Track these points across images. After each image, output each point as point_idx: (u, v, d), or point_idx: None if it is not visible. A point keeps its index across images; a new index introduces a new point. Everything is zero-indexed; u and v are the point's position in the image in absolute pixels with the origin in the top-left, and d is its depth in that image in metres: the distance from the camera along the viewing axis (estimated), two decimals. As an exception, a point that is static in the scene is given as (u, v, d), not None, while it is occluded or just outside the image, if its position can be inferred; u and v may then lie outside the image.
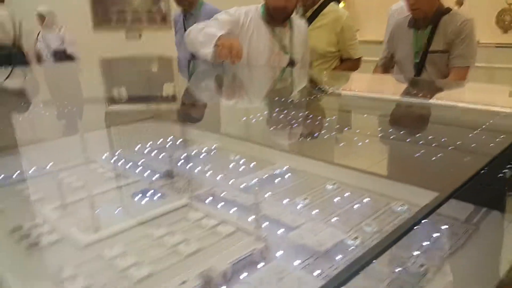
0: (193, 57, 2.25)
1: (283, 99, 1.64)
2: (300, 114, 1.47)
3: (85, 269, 0.61)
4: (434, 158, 1.12)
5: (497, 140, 1.02)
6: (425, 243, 0.73)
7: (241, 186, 0.95)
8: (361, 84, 1.87)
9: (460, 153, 1.15)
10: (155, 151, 1.20)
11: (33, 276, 0.61)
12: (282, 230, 0.75)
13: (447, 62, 1.74)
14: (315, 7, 2.28)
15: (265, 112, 1.60)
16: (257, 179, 0.98)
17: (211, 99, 1.86)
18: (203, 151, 1.20)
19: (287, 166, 1.05)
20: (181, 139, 1.32)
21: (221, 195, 0.90)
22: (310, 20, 2.27)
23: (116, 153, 1.15)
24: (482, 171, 0.78)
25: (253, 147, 1.25)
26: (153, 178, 0.98)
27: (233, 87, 1.98)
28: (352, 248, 0.71)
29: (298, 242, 0.70)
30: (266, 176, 1.00)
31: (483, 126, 1.26)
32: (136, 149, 1.20)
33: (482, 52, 4.61)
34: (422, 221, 0.78)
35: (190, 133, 1.42)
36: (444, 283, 0.64)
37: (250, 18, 2.05)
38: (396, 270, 0.66)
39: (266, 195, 0.91)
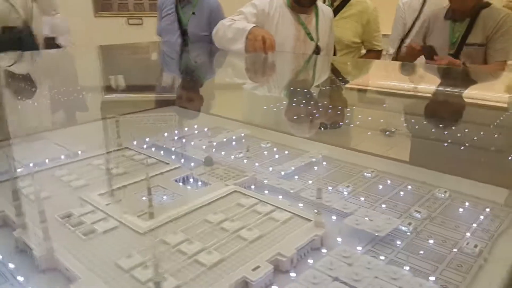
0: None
1: (307, 88, 1.64)
2: (324, 104, 1.48)
3: (151, 256, 0.61)
4: (462, 147, 1.14)
5: None
6: (474, 225, 0.75)
7: (282, 173, 0.95)
8: (388, 74, 1.90)
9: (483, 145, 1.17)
10: (184, 138, 1.20)
11: (98, 264, 0.61)
12: (335, 216, 0.76)
13: (483, 56, 1.77)
14: None
15: (290, 101, 1.60)
16: (294, 167, 0.98)
17: (228, 85, 1.85)
18: (233, 138, 1.19)
19: (321, 155, 1.06)
20: (207, 127, 1.31)
21: (265, 182, 0.90)
22: (337, 9, 2.29)
23: (147, 140, 1.14)
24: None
25: (281, 136, 1.25)
26: (192, 165, 0.98)
27: (256, 73, 1.97)
28: (408, 233, 0.72)
29: (355, 228, 0.71)
30: (303, 163, 1.00)
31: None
32: (165, 135, 1.19)
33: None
34: (467, 205, 0.80)
35: (214, 120, 1.42)
36: (499, 261, 0.65)
37: (275, 6, 2.05)
38: (453, 250, 0.67)
39: (310, 182, 0.91)
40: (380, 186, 0.90)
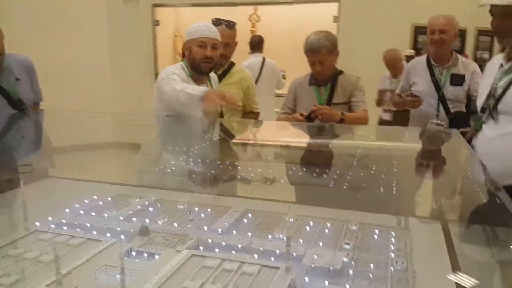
0: None
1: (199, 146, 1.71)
2: (218, 160, 1.57)
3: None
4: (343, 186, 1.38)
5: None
6: (391, 247, 0.94)
7: (219, 231, 1.00)
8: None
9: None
10: (93, 211, 1.12)
11: None
12: (288, 259, 0.85)
13: (348, 110, 2.19)
14: (226, 66, 2.51)
15: (185, 160, 1.63)
16: (227, 223, 1.04)
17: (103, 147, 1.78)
18: (146, 204, 1.18)
19: (244, 208, 1.14)
20: (108, 196, 1.25)
21: (210, 241, 0.94)
22: (221, 77, 2.47)
23: (49, 219, 1.03)
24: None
25: (193, 196, 1.29)
26: (122, 238, 0.94)
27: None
28: (351, 263, 0.86)
29: (313, 266, 0.82)
30: (234, 218, 1.07)
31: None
32: (66, 211, 1.10)
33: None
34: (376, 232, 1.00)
35: (110, 188, 1.36)
36: (423, 269, 0.84)
37: (179, 75, 2.07)
38: (390, 269, 0.84)
39: (249, 234, 0.99)
40: (307, 228, 1.04)
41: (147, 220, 1.06)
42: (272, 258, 0.87)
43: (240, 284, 0.73)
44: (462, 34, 6.97)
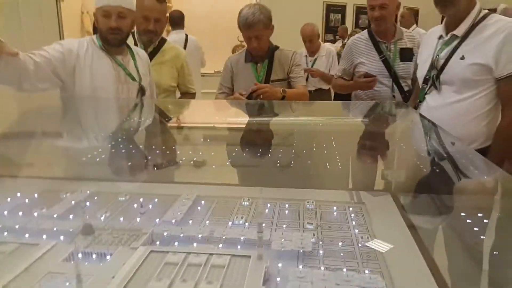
0: None
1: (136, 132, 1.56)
2: (155, 144, 1.45)
3: None
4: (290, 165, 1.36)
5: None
6: (353, 222, 0.94)
7: (173, 221, 0.92)
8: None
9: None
10: (20, 211, 0.97)
11: None
12: (261, 246, 0.81)
13: (288, 86, 2.18)
14: (156, 43, 2.32)
15: (117, 148, 1.47)
16: (180, 212, 0.96)
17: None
18: (81, 199, 1.04)
19: (196, 195, 1.07)
20: (35, 193, 1.08)
21: (165, 234, 0.85)
22: (151, 55, 2.29)
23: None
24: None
25: (134, 186, 1.18)
26: (62, 238, 0.82)
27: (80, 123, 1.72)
28: (319, 242, 0.84)
29: (283, 250, 0.78)
30: (187, 207, 0.99)
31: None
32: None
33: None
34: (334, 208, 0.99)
35: (40, 183, 1.19)
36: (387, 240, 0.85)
37: (86, 49, 1.87)
38: (358, 246, 0.83)
39: (207, 223, 0.92)
40: (266, 210, 1.00)
41: (87, 217, 0.93)
42: (239, 246, 0.81)
43: (213, 278, 0.67)
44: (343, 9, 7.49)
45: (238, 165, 1.35)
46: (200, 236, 0.85)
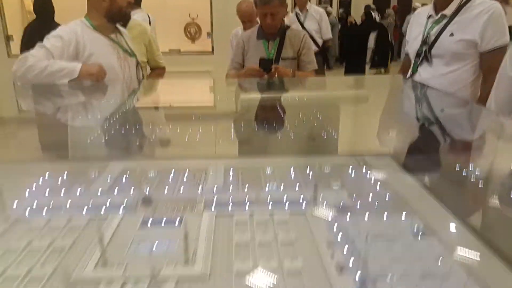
0: None
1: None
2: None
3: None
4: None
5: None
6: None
7: (214, 189, 1.00)
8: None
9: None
10: (58, 190, 1.00)
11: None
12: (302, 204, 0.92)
13: (296, 66, 2.30)
14: (121, 22, 2.25)
15: (114, 130, 1.50)
16: (217, 183, 1.05)
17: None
18: (113, 177, 1.09)
19: (222, 166, 1.15)
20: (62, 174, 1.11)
21: (214, 201, 0.94)
22: None
23: (26, 204, 0.90)
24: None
25: (148, 163, 1.23)
26: (131, 211, 0.88)
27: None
28: (352, 198, 0.97)
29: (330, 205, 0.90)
30: (222, 177, 1.08)
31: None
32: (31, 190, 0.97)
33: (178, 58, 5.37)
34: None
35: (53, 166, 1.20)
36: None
37: (81, 33, 1.83)
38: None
39: (245, 188, 1.01)
40: (289, 176, 1.11)
41: (132, 190, 0.99)
42: (286, 206, 0.92)
43: (280, 233, 0.77)
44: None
45: (251, 138, 1.44)
46: (247, 200, 0.95)
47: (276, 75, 2.11)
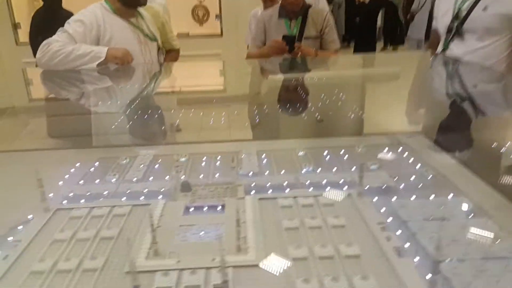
0: None
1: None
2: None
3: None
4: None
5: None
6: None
7: (250, 174, 0.98)
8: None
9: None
10: (91, 178, 0.99)
11: None
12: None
13: (319, 45, 2.26)
14: None
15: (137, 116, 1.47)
16: (252, 166, 1.02)
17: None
18: (145, 163, 1.07)
19: (254, 148, 1.13)
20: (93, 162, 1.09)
21: (253, 185, 0.91)
22: None
23: (70, 194, 0.88)
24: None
25: (174, 147, 1.21)
26: (170, 198, 0.86)
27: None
28: (395, 178, 0.94)
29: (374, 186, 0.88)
30: (256, 161, 1.05)
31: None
32: (80, 182, 0.95)
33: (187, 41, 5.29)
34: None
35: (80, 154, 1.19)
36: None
37: (102, 17, 1.81)
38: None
39: (282, 171, 0.99)
40: (323, 157, 1.08)
41: (167, 176, 0.98)
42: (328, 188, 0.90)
43: (328, 217, 0.75)
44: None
45: (276, 121, 1.41)
46: (286, 183, 0.92)
47: (299, 55, 2.06)
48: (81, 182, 0.97)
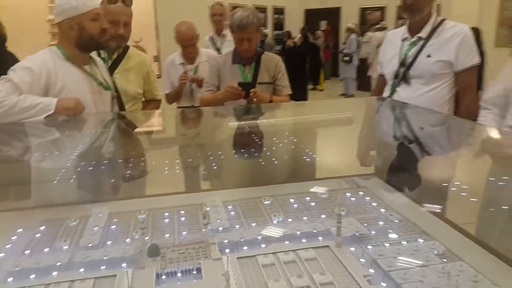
0: None
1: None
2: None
3: None
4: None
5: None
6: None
7: (220, 229, 0.93)
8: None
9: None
10: (39, 247, 0.87)
11: None
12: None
13: (272, 91, 2.28)
14: (120, 51, 2.19)
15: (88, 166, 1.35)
16: (220, 219, 0.97)
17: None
18: (100, 225, 0.97)
19: (220, 201, 1.08)
20: (37, 225, 0.97)
21: (225, 242, 0.87)
22: (117, 62, 2.16)
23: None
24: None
25: (133, 202, 1.12)
26: (137, 264, 0.78)
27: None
28: (364, 224, 0.95)
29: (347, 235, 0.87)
30: (222, 213, 1.01)
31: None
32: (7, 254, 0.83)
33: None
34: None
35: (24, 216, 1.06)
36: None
37: (53, 65, 1.63)
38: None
39: (253, 225, 0.96)
40: (295, 205, 1.07)
41: (127, 239, 0.89)
42: (303, 240, 0.87)
43: (316, 274, 0.73)
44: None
45: (243, 167, 1.38)
46: (259, 238, 0.89)
47: (254, 100, 2.08)
48: (27, 252, 0.85)
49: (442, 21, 2.05)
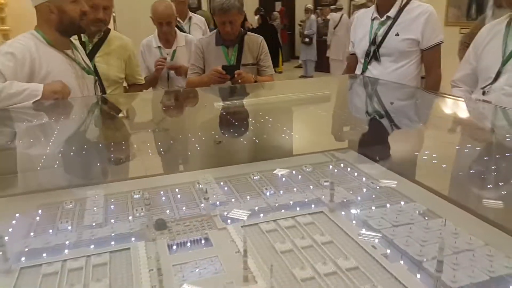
0: None
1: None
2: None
3: None
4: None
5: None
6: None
7: (217, 203, 0.98)
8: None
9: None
10: (43, 228, 0.89)
11: None
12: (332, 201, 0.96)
13: (256, 71, 2.30)
14: (101, 34, 2.15)
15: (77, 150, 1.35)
16: (216, 194, 1.02)
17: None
18: (99, 205, 0.99)
19: (212, 178, 1.12)
20: (35, 209, 0.98)
21: (225, 214, 0.92)
22: (97, 46, 2.12)
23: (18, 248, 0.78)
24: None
25: (129, 183, 1.15)
26: (133, 239, 0.82)
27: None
28: (350, 191, 1.03)
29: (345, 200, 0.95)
30: (216, 188, 1.06)
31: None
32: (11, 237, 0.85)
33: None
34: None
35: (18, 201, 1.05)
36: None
37: (36, 50, 1.56)
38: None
39: (248, 197, 1.01)
40: (283, 179, 1.13)
41: (130, 217, 0.92)
42: (298, 208, 0.94)
43: (315, 235, 0.80)
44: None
45: (226, 146, 1.42)
46: (256, 208, 0.94)
47: (239, 81, 2.11)
48: (32, 234, 0.87)
49: (409, 1, 2.15)
